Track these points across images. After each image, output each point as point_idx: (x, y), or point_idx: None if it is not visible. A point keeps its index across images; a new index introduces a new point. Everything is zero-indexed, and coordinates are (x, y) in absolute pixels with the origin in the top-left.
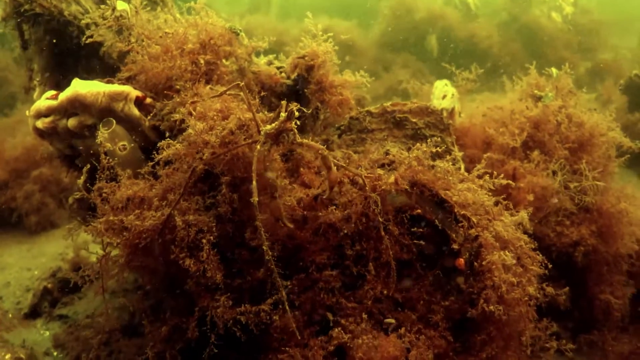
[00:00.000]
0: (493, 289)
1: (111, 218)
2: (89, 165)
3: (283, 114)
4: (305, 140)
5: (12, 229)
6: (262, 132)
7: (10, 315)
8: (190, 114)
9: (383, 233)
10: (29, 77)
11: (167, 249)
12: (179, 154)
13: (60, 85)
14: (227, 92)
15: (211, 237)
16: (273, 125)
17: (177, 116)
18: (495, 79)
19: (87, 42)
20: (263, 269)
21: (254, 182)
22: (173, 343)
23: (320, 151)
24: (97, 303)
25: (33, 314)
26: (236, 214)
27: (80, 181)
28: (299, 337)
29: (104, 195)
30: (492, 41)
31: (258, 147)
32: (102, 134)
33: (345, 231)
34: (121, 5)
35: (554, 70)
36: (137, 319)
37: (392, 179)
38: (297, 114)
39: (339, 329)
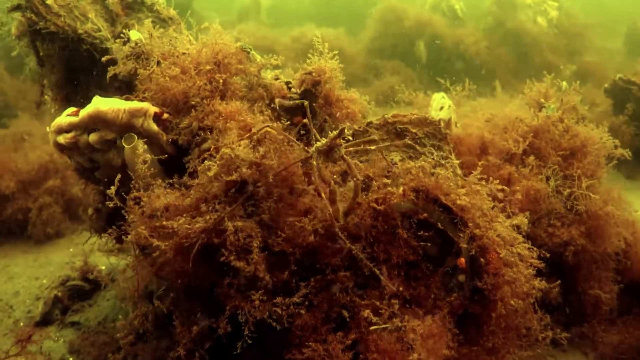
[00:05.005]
0: (508, 283)
1: (164, 223)
2: (119, 175)
3: (331, 133)
4: (348, 159)
5: (16, 239)
6: (313, 149)
7: (22, 324)
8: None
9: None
10: (40, 92)
11: (203, 255)
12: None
13: (71, 100)
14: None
15: (258, 242)
16: (324, 141)
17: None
18: (483, 83)
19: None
20: (288, 271)
21: (323, 195)
22: (202, 342)
23: (355, 179)
24: (108, 310)
25: (45, 322)
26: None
27: (112, 191)
28: (319, 334)
29: (142, 203)
30: (479, 46)
31: (314, 162)
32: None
33: (356, 244)
34: (135, 35)
35: (564, 83)
36: (149, 324)
37: (400, 190)
38: (348, 132)
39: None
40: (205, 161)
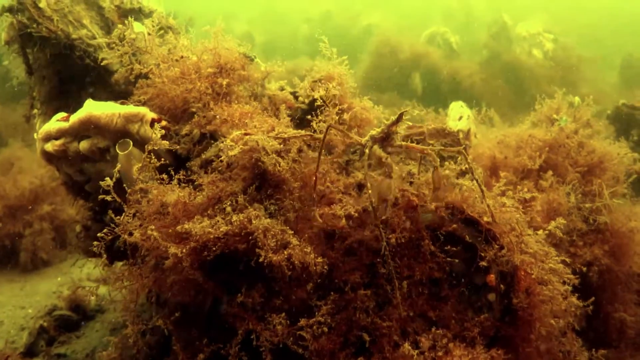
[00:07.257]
0: (545, 302)
1: (186, 226)
2: (119, 165)
3: (386, 120)
4: (409, 144)
5: (2, 266)
6: (367, 137)
7: None
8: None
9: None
10: (30, 105)
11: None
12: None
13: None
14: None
15: (291, 233)
16: (379, 129)
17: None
18: (481, 114)
19: (101, 64)
20: (312, 283)
21: (369, 189)
22: None
23: (425, 151)
24: (96, 342)
25: (29, 353)
26: None
27: (108, 182)
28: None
29: (149, 196)
30: (474, 79)
31: (367, 151)
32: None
33: (388, 249)
34: (138, 28)
35: (576, 99)
36: (142, 354)
37: (433, 206)
38: (405, 116)
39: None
40: (226, 140)
